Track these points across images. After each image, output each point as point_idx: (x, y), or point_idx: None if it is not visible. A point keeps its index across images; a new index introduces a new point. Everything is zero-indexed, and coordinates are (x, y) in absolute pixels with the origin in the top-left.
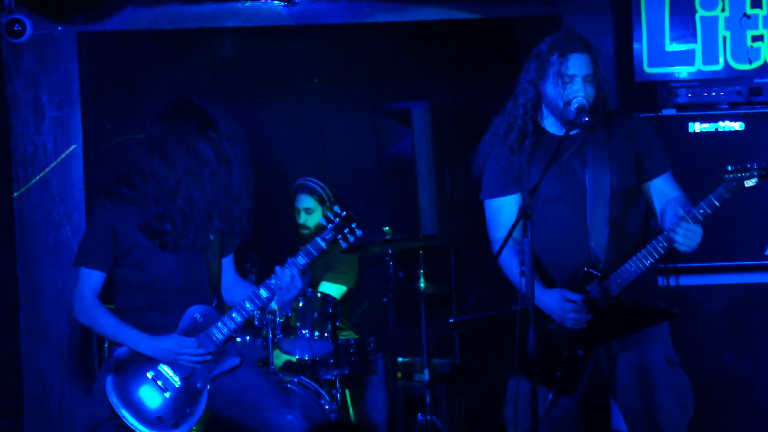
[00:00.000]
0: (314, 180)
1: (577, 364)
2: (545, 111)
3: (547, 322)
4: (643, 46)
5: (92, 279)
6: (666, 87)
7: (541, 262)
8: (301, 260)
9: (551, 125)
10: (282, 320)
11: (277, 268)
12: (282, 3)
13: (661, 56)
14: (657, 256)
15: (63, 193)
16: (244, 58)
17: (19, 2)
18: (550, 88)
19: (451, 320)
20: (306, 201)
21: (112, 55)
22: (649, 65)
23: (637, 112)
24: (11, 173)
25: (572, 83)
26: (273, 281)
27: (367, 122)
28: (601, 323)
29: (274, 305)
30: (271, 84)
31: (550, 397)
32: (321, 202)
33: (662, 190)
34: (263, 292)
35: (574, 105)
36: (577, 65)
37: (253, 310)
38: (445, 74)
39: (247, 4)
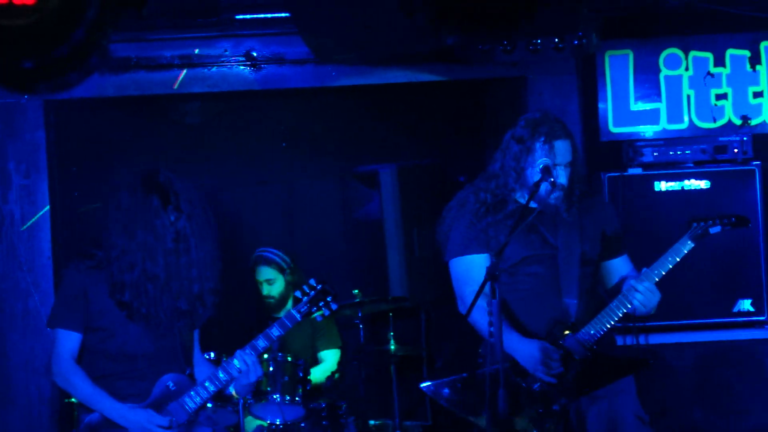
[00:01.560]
0: (270, 250)
1: (553, 421)
2: (519, 186)
3: (522, 379)
4: (608, 106)
5: (68, 341)
6: (632, 146)
7: (516, 317)
8: (275, 332)
9: (522, 197)
10: None
11: (238, 351)
12: (248, 68)
13: (626, 115)
14: (621, 314)
15: (31, 262)
16: (212, 124)
17: None
18: (530, 172)
19: (423, 385)
20: (266, 272)
21: (80, 123)
22: (615, 125)
23: (604, 171)
24: None
25: (555, 170)
26: (246, 351)
27: (335, 185)
28: (575, 376)
29: (231, 390)
30: (239, 149)
31: None
32: (281, 270)
33: (621, 268)
34: (236, 362)
35: (539, 166)
36: (561, 153)
37: (225, 380)
38: (412, 136)
39: (214, 69)
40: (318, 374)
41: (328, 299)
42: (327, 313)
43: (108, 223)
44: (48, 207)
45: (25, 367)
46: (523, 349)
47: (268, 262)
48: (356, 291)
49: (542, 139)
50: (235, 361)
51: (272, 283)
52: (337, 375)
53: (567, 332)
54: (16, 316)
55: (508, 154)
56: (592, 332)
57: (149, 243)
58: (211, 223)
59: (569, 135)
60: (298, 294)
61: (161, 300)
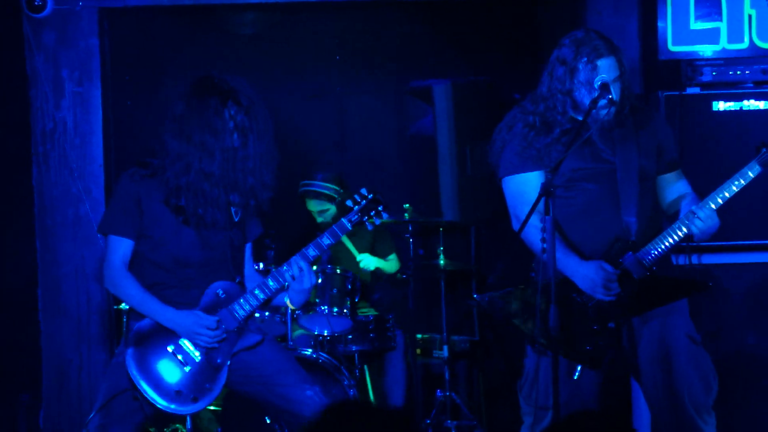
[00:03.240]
0: (319, 183)
1: (607, 338)
2: (571, 107)
3: (577, 295)
4: (667, 25)
5: (121, 247)
6: (690, 65)
7: (569, 236)
8: (326, 240)
9: (579, 115)
10: None
11: (291, 258)
12: None
13: (685, 35)
14: (680, 238)
15: (82, 169)
16: (265, 35)
17: None
18: (579, 94)
19: (476, 295)
20: (316, 204)
21: (133, 31)
22: (674, 44)
23: (661, 90)
24: (30, 149)
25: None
26: (295, 259)
27: (388, 100)
28: (633, 296)
29: (286, 299)
30: (292, 61)
31: (578, 371)
32: (330, 200)
33: (676, 183)
34: (286, 272)
35: (597, 83)
36: (605, 71)
37: (275, 288)
38: (468, 53)
39: None
40: (370, 262)
41: (380, 208)
42: (377, 222)
43: (163, 132)
44: (101, 115)
45: (75, 275)
46: (581, 272)
47: (317, 196)
48: (407, 205)
49: (585, 59)
50: (285, 268)
51: (324, 212)
52: (399, 275)
53: (627, 251)
54: (66, 223)
55: (554, 76)
56: (652, 252)
57: (207, 142)
58: (268, 119)
59: (613, 50)
60: (349, 203)
61: (218, 198)
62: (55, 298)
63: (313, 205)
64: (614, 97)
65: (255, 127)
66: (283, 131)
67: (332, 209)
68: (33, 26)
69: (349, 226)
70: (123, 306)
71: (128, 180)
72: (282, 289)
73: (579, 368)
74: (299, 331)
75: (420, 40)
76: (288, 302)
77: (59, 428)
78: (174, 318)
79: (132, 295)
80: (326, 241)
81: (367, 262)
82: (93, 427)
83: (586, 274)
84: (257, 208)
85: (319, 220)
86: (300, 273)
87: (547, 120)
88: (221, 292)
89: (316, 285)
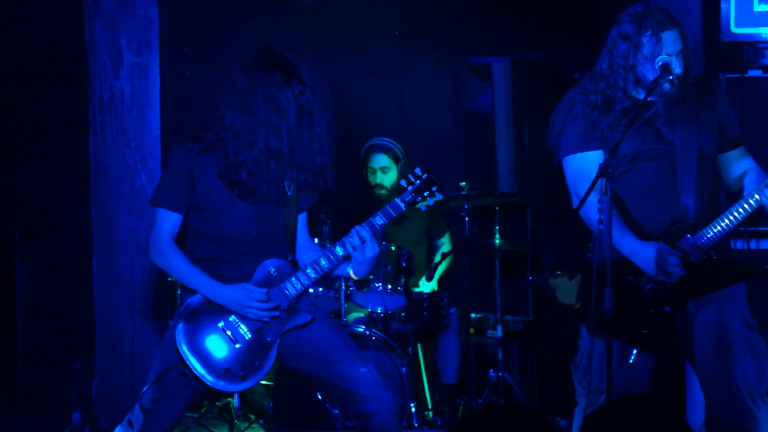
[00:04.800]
0: (387, 139)
1: (663, 322)
2: (633, 83)
3: (634, 278)
4: (730, 6)
5: (170, 221)
6: (753, 48)
7: (629, 216)
8: (379, 221)
9: (640, 93)
10: None
11: (355, 228)
12: None
13: (748, 16)
14: (742, 217)
15: (139, 140)
16: (325, 9)
17: None
18: (643, 69)
19: (530, 278)
20: (381, 160)
21: (193, 1)
22: (737, 25)
23: (723, 72)
24: (88, 118)
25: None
26: (349, 239)
27: (446, 77)
28: (690, 279)
29: (349, 270)
30: (351, 36)
31: (633, 354)
32: (396, 159)
33: (741, 160)
34: (339, 250)
35: (658, 63)
36: (670, 44)
37: (328, 268)
38: (527, 30)
39: None
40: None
41: (434, 189)
42: (431, 202)
43: (221, 104)
44: (158, 85)
45: (130, 245)
46: (640, 252)
47: (385, 150)
48: (463, 183)
49: (649, 32)
50: (338, 249)
51: (386, 171)
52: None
53: (685, 234)
54: (122, 193)
55: (615, 53)
56: (710, 235)
57: (272, 119)
58: (328, 97)
59: (676, 23)
60: (403, 183)
61: (277, 178)
62: (109, 267)
63: (378, 161)
64: (677, 71)
65: (318, 107)
66: (342, 105)
67: (393, 171)
68: None
69: (402, 206)
70: (171, 276)
71: (182, 154)
72: (334, 267)
73: (635, 352)
74: (354, 315)
75: (479, 16)
76: (351, 273)
77: (111, 396)
78: (223, 292)
79: (179, 269)
80: (379, 220)
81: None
82: (146, 400)
83: (643, 253)
84: (324, 187)
85: (378, 179)
86: (362, 244)
87: (608, 98)
88: (273, 270)
89: None
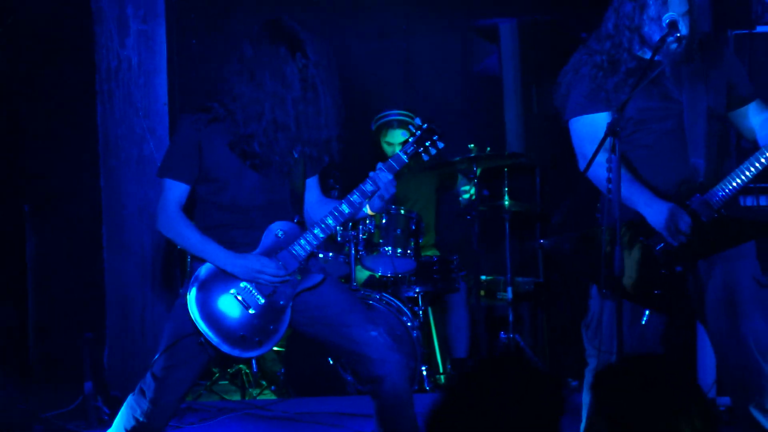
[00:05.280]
0: (402, 112)
1: (675, 282)
2: (639, 43)
3: (645, 238)
4: None
5: (177, 191)
6: (761, 3)
7: (638, 178)
8: (383, 176)
9: (646, 53)
10: (365, 237)
11: (371, 173)
12: None
13: None
14: (753, 175)
15: (147, 108)
16: None
17: None
18: (649, 29)
19: (541, 241)
20: (398, 135)
21: None
22: None
23: (731, 28)
24: (95, 87)
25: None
26: (355, 197)
27: (454, 39)
28: (701, 238)
29: (366, 209)
30: (358, 1)
31: (646, 316)
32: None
33: (759, 113)
34: (345, 208)
35: (666, 20)
36: (676, 4)
37: (335, 226)
38: None
39: None
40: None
41: (435, 138)
42: (433, 152)
43: (229, 75)
44: (165, 54)
45: (140, 214)
46: (653, 208)
47: (401, 125)
48: (472, 146)
49: None
50: (344, 207)
51: None
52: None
53: (695, 193)
54: (131, 162)
55: (621, 13)
56: (720, 194)
57: (278, 91)
58: (334, 70)
59: None
60: (404, 134)
61: (285, 150)
62: (119, 237)
63: (395, 136)
64: (684, 32)
65: (324, 81)
66: (350, 70)
67: None
68: None
69: (405, 158)
70: (179, 245)
71: (189, 124)
72: (347, 220)
73: (647, 313)
74: (364, 273)
75: None
76: (368, 209)
77: (123, 366)
78: (235, 261)
79: (187, 238)
80: (383, 176)
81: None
82: (158, 369)
83: (657, 210)
84: (331, 160)
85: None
86: (383, 184)
87: (614, 58)
88: (280, 233)
89: (380, 225)
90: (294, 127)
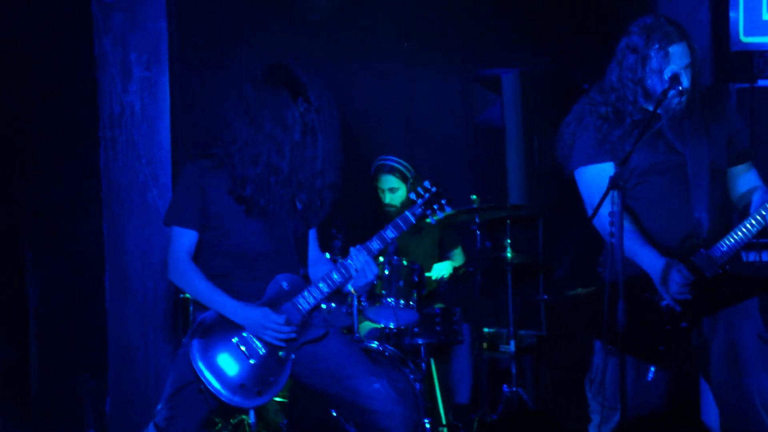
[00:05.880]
0: (394, 158)
1: (680, 338)
2: (642, 95)
3: (650, 294)
4: (739, 15)
5: (185, 239)
6: (762, 57)
7: (643, 229)
8: (390, 234)
9: (651, 106)
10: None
11: (352, 250)
12: None
13: (757, 25)
14: (756, 230)
15: (150, 155)
16: (335, 19)
17: None
18: (651, 82)
19: (545, 296)
20: (389, 181)
21: (202, 15)
22: (746, 34)
23: (732, 82)
24: (98, 133)
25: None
26: (350, 261)
27: (456, 87)
28: (706, 294)
29: (350, 287)
30: (361, 46)
31: (652, 371)
32: (404, 179)
33: (748, 176)
34: (350, 264)
35: (667, 74)
36: (678, 58)
37: (340, 281)
38: (537, 41)
39: None
40: (442, 269)
41: (443, 202)
42: (441, 215)
43: (231, 117)
44: (168, 100)
45: (143, 261)
46: (656, 264)
47: (392, 170)
48: (474, 197)
49: (656, 46)
50: (349, 261)
51: (395, 191)
52: (462, 270)
53: (700, 249)
54: (133, 209)
55: (624, 65)
56: (724, 249)
57: (277, 135)
58: (336, 117)
59: (684, 36)
60: (412, 196)
61: (281, 194)
62: (121, 283)
63: (385, 182)
64: (685, 85)
65: (324, 126)
66: (352, 115)
67: (402, 190)
68: (101, 8)
69: (413, 219)
70: (189, 295)
71: (193, 171)
72: (347, 281)
73: (653, 369)
74: (366, 323)
75: (489, 28)
76: (352, 289)
77: (126, 414)
78: (242, 312)
79: (198, 288)
80: (390, 234)
81: (440, 270)
82: (161, 419)
83: (659, 266)
84: (321, 207)
85: (387, 200)
86: (361, 266)
87: (619, 110)
88: (286, 284)
89: (383, 276)
90: (287, 171)
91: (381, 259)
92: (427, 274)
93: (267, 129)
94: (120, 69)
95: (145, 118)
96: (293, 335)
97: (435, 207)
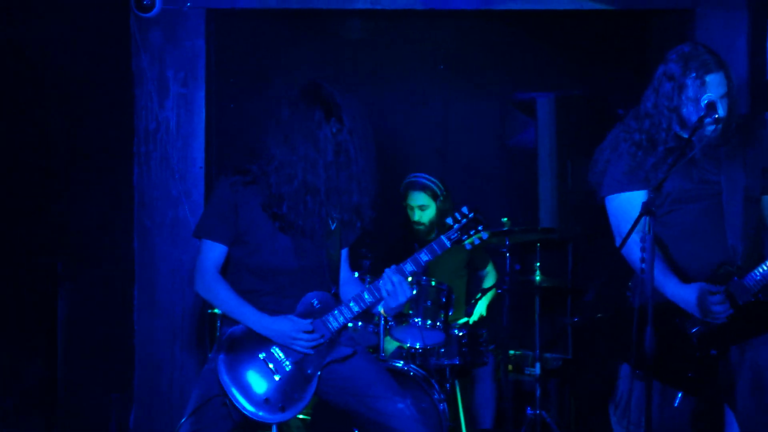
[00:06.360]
0: (425, 176)
1: (709, 365)
2: (677, 123)
3: (680, 320)
4: None
5: (214, 252)
6: None
7: (673, 258)
8: (424, 257)
9: (685, 134)
10: None
11: (386, 271)
12: None
13: None
14: None
15: (183, 171)
16: (371, 41)
17: None
18: (686, 110)
19: (575, 319)
20: (419, 198)
21: (240, 34)
22: None
23: None
24: (133, 148)
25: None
26: (382, 283)
27: (491, 111)
28: (737, 322)
29: (380, 309)
30: (397, 68)
31: (679, 397)
32: (434, 197)
33: None
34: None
35: (704, 102)
36: (714, 87)
37: (371, 302)
38: (572, 66)
39: None
40: (480, 310)
41: (479, 228)
42: (477, 242)
43: (266, 136)
44: (204, 117)
45: (172, 276)
46: (682, 295)
47: (423, 188)
48: (505, 219)
49: (693, 74)
50: (381, 283)
51: (424, 209)
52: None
53: (734, 276)
54: (165, 224)
55: (660, 92)
56: (757, 277)
57: (310, 155)
58: (370, 137)
59: (722, 65)
60: (449, 221)
61: (319, 213)
62: (150, 298)
63: (415, 199)
64: (721, 114)
65: (358, 147)
66: (387, 136)
67: (432, 208)
68: (140, 25)
69: (448, 243)
70: (217, 310)
71: (226, 186)
72: (377, 302)
73: (680, 395)
74: (393, 344)
75: (524, 51)
76: (382, 311)
77: (149, 429)
78: (269, 324)
79: (225, 300)
80: (424, 257)
81: (478, 310)
82: None
83: (688, 297)
84: (361, 227)
85: (415, 217)
86: (394, 287)
87: (653, 137)
88: (316, 302)
89: (411, 296)
90: (323, 191)
91: (409, 279)
92: (463, 321)
93: (300, 149)
94: (157, 85)
95: (179, 134)
96: (321, 340)
97: (471, 232)
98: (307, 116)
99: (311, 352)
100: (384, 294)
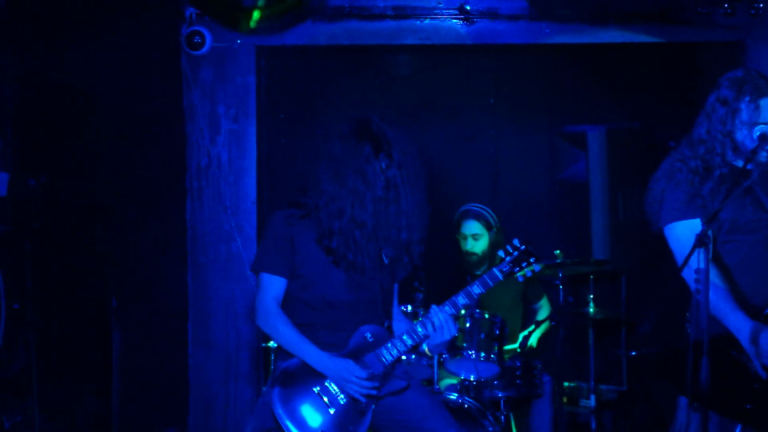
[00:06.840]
0: (480, 205)
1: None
2: (731, 149)
3: (738, 352)
4: None
5: (274, 285)
6: None
7: (735, 286)
8: (476, 290)
9: (734, 159)
10: None
11: (433, 307)
12: (461, 22)
13: None
14: None
15: (235, 206)
16: (420, 76)
17: (200, 14)
18: (740, 134)
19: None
20: (473, 227)
21: (289, 70)
22: None
23: None
24: (185, 184)
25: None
26: (446, 307)
27: (541, 144)
28: None
29: (424, 347)
30: (447, 103)
31: (738, 430)
32: (488, 227)
33: None
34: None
35: (756, 133)
36: None
37: (424, 335)
38: (622, 98)
39: (426, 21)
40: (533, 339)
41: (531, 260)
42: (529, 274)
43: (318, 171)
44: (255, 152)
45: (225, 311)
46: (744, 328)
47: (477, 217)
48: (558, 252)
49: (747, 98)
50: (433, 316)
51: (477, 238)
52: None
53: None
54: (218, 259)
55: (714, 118)
56: None
57: (359, 189)
58: (421, 173)
59: None
60: (501, 253)
61: (367, 247)
62: (204, 332)
63: (469, 228)
64: None
65: (407, 182)
66: (437, 172)
67: (485, 238)
68: (191, 63)
69: (500, 276)
70: (271, 344)
71: (282, 220)
72: (428, 337)
73: (738, 428)
74: (446, 381)
75: (574, 84)
76: (426, 349)
77: None
78: (327, 363)
79: (285, 335)
80: (476, 290)
81: (530, 342)
82: None
83: (742, 332)
84: (410, 263)
85: (468, 247)
86: (440, 323)
87: (708, 164)
88: (369, 335)
89: (464, 329)
90: (371, 225)
91: (462, 311)
92: (512, 347)
93: (350, 183)
94: (208, 121)
95: (231, 170)
96: (374, 392)
97: (523, 264)
98: (356, 151)
99: (363, 399)
100: (430, 330)
